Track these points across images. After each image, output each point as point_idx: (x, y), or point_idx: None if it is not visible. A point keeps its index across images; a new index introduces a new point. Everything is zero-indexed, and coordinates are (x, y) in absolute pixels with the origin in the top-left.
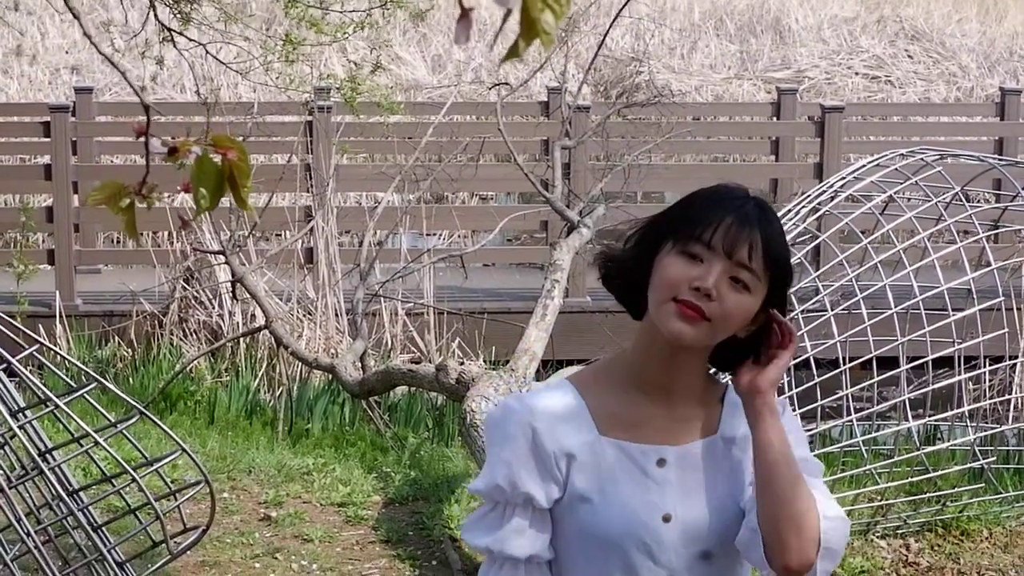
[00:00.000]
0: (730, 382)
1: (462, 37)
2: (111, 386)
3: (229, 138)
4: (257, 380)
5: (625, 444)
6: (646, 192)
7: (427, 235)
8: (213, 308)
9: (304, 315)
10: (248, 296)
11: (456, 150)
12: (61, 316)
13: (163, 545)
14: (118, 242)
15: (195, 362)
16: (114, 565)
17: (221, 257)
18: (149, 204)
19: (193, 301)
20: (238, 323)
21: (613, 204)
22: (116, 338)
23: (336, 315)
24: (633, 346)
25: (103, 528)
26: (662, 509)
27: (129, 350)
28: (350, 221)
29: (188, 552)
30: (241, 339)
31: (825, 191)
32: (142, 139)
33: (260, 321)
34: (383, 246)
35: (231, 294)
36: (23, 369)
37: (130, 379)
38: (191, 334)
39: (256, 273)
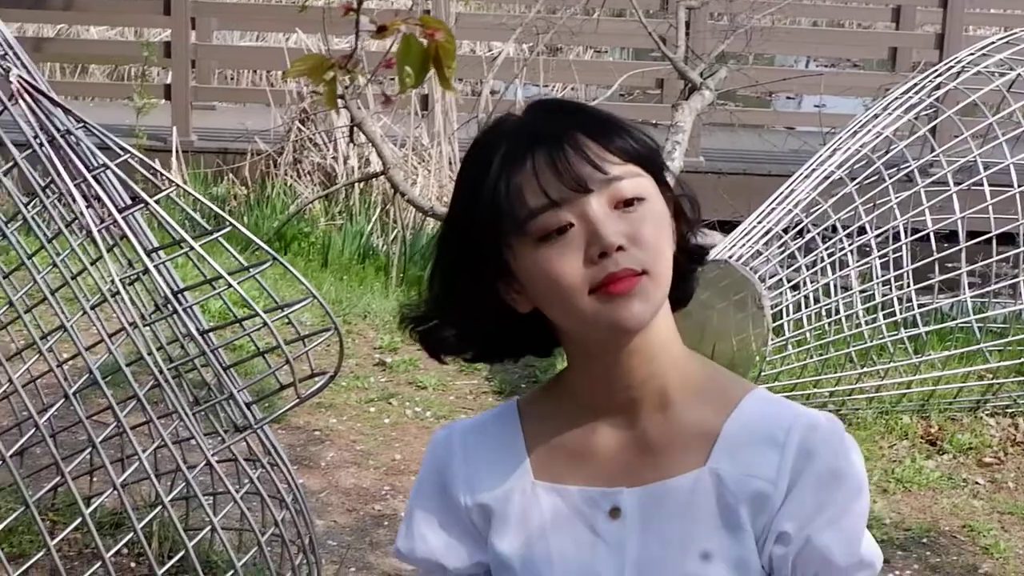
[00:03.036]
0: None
1: None
2: (245, 231)
3: (436, 20)
4: (371, 225)
5: (565, 490)
6: (757, 55)
7: (543, 87)
8: (328, 151)
9: (418, 162)
10: (363, 140)
11: (575, 2)
12: (177, 152)
13: (290, 388)
14: (233, 79)
15: (309, 205)
16: (243, 405)
17: (339, 100)
18: (352, 79)
19: (308, 143)
20: (353, 167)
21: (734, 67)
22: (230, 176)
23: (449, 164)
24: (568, 365)
25: (231, 369)
26: None
27: (243, 189)
28: (467, 70)
29: None
30: (356, 183)
31: (952, 66)
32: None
33: (375, 165)
34: (500, 97)
35: (348, 138)
36: (160, 210)
37: (244, 218)
38: (305, 176)
39: (372, 118)
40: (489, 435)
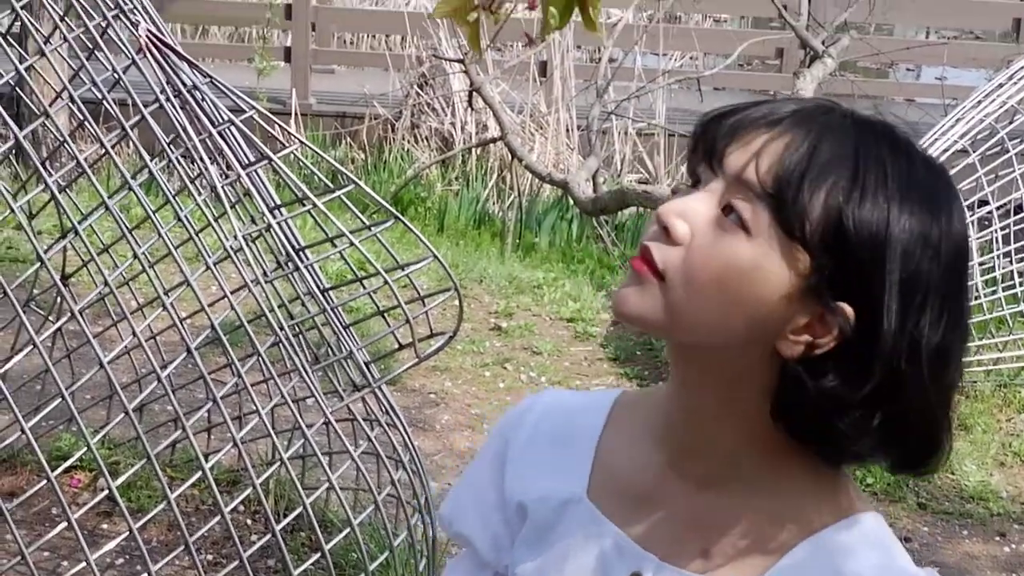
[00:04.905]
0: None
1: None
2: (368, 190)
3: None
4: (487, 191)
5: (606, 523)
6: (877, 25)
7: (662, 55)
8: (445, 116)
9: (535, 129)
10: (480, 106)
11: None
12: (296, 114)
13: (408, 349)
14: (352, 43)
15: (426, 169)
16: (361, 364)
17: (457, 65)
18: (496, 19)
19: (426, 108)
20: (470, 133)
21: (856, 36)
22: (348, 140)
23: (567, 131)
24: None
25: (351, 327)
26: None
27: (360, 152)
28: (587, 37)
29: None
30: (473, 149)
31: None
32: None
33: (492, 131)
34: (619, 64)
35: (466, 103)
36: (283, 166)
37: (361, 182)
38: (422, 140)
39: (491, 84)
40: (569, 424)
